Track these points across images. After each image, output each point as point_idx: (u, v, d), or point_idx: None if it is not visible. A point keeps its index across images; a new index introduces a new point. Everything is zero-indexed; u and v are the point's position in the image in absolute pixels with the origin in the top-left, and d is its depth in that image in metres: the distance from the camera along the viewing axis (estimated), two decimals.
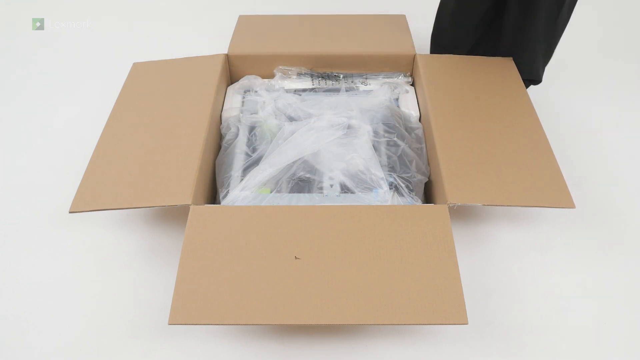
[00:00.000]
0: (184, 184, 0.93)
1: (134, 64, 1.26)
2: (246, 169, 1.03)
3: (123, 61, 1.43)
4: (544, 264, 1.00)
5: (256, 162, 1.04)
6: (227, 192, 0.99)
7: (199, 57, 1.25)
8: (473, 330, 0.89)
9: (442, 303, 0.77)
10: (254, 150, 1.07)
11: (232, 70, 1.28)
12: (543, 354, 0.87)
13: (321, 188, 0.99)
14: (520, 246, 1.03)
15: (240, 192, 0.97)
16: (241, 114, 1.14)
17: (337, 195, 0.98)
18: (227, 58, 1.25)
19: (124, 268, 1.00)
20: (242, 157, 1.06)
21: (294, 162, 1.01)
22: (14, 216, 1.10)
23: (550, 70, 1.42)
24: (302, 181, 1.01)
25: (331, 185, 0.99)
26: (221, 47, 1.37)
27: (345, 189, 0.99)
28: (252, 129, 1.12)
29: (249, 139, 1.10)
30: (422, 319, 0.76)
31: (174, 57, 1.27)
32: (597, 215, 1.09)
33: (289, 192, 0.99)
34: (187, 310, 0.77)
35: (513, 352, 0.87)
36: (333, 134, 1.06)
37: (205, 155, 1.01)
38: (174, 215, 1.08)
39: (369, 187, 0.98)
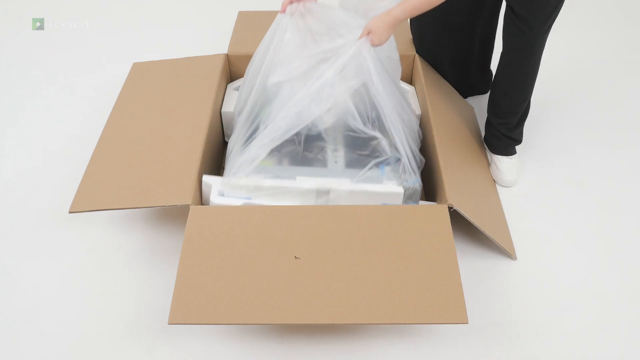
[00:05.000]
0: (184, 184, 0.93)
1: (134, 64, 1.26)
2: (248, 140, 0.99)
3: (123, 61, 1.43)
4: (544, 264, 1.00)
5: (257, 131, 0.99)
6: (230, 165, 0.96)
7: (199, 57, 1.25)
8: (473, 330, 0.89)
9: (442, 303, 0.77)
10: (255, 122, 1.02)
11: (232, 70, 1.28)
12: (543, 353, 0.87)
13: (325, 160, 0.97)
14: (520, 246, 1.03)
15: (241, 163, 0.94)
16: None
17: (338, 164, 0.95)
18: (227, 58, 1.25)
19: (124, 268, 0.99)
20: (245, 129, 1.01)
21: (297, 133, 0.95)
22: (15, 216, 1.10)
23: (554, 74, 1.43)
24: (307, 151, 0.98)
25: (335, 162, 0.97)
26: (221, 47, 1.37)
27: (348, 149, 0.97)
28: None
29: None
30: (422, 318, 0.76)
31: (174, 57, 1.27)
32: (597, 215, 1.09)
33: (291, 165, 0.96)
34: (187, 310, 0.77)
35: (513, 352, 0.87)
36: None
37: (206, 155, 1.01)
38: (174, 215, 1.08)
39: (377, 155, 0.96)
